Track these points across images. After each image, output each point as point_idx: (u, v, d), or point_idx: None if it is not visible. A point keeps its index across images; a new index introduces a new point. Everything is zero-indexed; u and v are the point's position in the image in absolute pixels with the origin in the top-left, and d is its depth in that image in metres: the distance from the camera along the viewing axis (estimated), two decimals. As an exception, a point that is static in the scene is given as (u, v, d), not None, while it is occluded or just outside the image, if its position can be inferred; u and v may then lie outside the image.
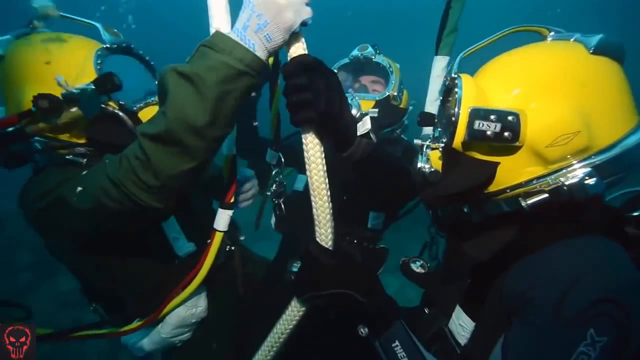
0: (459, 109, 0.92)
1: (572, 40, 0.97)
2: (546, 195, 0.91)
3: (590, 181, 0.87)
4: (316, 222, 1.10)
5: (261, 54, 0.93)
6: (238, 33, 0.92)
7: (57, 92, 1.18)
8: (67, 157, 1.29)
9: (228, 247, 1.65)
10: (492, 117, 0.88)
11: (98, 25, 1.37)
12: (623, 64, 0.95)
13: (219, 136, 0.99)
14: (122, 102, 1.31)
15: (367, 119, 1.17)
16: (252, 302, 1.81)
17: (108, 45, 1.34)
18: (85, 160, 1.30)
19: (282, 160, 1.97)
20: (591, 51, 0.92)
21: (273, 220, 2.01)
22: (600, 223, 0.95)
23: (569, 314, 0.80)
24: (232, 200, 1.34)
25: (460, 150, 0.96)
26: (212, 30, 0.97)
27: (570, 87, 0.89)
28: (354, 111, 1.68)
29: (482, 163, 0.93)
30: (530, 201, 0.92)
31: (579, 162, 0.89)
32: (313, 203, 1.08)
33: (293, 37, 0.97)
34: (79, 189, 1.12)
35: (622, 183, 0.92)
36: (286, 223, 1.96)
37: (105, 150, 1.21)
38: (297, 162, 1.96)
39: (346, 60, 1.92)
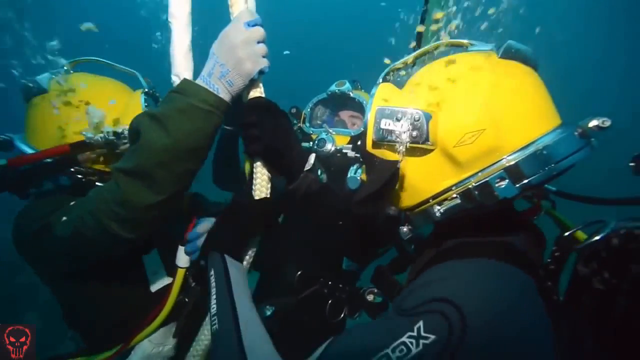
0: (369, 111, 0.95)
1: (487, 49, 0.98)
2: (458, 201, 0.86)
3: (502, 184, 0.83)
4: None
5: (224, 96, 1.07)
6: (204, 79, 1.06)
7: (96, 129, 1.37)
8: (96, 183, 1.44)
9: (193, 283, 1.61)
10: (399, 115, 0.90)
11: (138, 73, 1.61)
12: (537, 69, 0.93)
13: (187, 170, 1.08)
14: None
15: (311, 157, 1.22)
16: None
17: (147, 90, 1.57)
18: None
19: None
20: (499, 56, 0.91)
21: None
22: (515, 249, 0.88)
23: (406, 305, 0.77)
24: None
25: (373, 153, 0.96)
26: (174, 77, 1.12)
27: (478, 88, 0.88)
28: (328, 146, 1.72)
29: (389, 162, 0.93)
30: (443, 208, 0.88)
31: (491, 165, 0.85)
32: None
33: (252, 82, 1.11)
34: (64, 218, 1.22)
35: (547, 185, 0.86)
36: (261, 261, 1.93)
37: None
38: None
39: (323, 95, 1.94)
